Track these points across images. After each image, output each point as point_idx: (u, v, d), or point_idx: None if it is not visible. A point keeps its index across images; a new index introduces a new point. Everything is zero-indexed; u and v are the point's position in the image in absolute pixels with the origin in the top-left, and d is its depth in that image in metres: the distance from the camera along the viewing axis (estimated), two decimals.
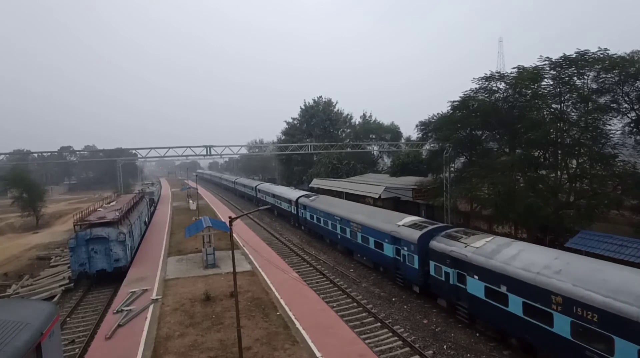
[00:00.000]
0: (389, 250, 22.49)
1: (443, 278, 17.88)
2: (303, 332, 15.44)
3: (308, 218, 36.60)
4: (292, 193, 43.94)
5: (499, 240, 16.80)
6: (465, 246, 16.75)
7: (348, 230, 27.79)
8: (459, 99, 34.08)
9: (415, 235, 19.96)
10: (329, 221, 31.43)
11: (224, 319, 17.23)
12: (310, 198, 37.79)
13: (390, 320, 18.13)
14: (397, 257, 21.86)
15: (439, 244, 18.24)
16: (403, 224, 21.96)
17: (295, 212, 40.48)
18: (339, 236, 29.75)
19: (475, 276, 15.73)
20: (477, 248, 16.24)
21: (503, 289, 14.35)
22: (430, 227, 20.19)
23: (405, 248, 20.71)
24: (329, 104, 77.40)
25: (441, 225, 21.15)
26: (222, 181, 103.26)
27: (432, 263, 18.68)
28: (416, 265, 19.83)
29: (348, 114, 79.69)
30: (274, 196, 50.04)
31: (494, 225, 32.08)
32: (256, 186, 61.43)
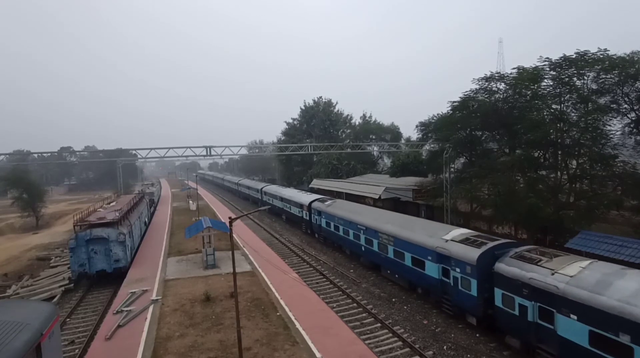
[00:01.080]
0: (432, 269, 18.78)
1: (516, 312, 14.22)
2: (303, 332, 15.44)
3: (324, 225, 32.99)
4: (304, 197, 40.57)
5: (601, 266, 13.06)
6: (553, 274, 13.15)
7: (375, 241, 24.15)
8: (458, 99, 34.21)
9: (474, 253, 16.22)
10: (350, 230, 27.69)
11: (224, 320, 17.23)
12: (326, 203, 34.05)
13: (390, 321, 18.12)
14: (444, 279, 18.15)
15: (510, 268, 14.59)
16: (452, 239, 18.24)
17: (308, 218, 37.29)
18: (363, 248, 26.02)
19: (573, 316, 12.15)
20: (571, 276, 12.66)
21: (624, 339, 10.64)
22: (491, 244, 16.47)
23: (458, 270, 16.94)
24: (329, 104, 77.56)
25: (503, 241, 17.13)
26: (225, 182, 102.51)
27: (498, 291, 15.09)
28: (474, 292, 16.09)
29: (348, 115, 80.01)
30: (282, 199, 46.64)
31: (494, 226, 32.12)
32: (262, 189, 58.13)
